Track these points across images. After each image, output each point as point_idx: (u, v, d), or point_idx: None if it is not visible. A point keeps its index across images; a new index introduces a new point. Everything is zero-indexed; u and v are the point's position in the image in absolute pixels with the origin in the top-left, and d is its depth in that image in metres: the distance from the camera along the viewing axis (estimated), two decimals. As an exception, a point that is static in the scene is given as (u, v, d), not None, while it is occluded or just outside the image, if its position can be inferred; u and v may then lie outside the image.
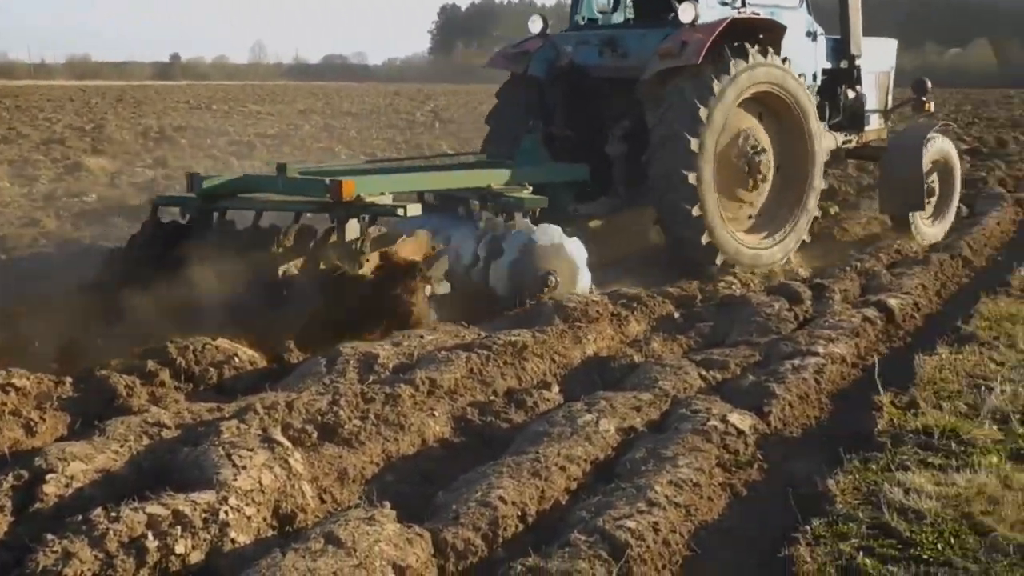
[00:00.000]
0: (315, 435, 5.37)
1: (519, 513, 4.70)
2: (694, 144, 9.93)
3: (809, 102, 11.13)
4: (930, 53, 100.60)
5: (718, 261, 10.34)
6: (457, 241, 9.12)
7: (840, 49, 12.43)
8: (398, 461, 5.47)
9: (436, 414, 5.93)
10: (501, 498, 4.69)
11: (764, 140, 10.84)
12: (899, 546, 4.52)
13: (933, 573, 4.28)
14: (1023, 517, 4.79)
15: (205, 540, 4.14)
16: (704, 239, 10.16)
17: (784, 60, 10.83)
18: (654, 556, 4.33)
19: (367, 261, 7.72)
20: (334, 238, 8.34)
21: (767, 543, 4.68)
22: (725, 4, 10.77)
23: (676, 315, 8.73)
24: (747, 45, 10.38)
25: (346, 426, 5.47)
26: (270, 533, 4.44)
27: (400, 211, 8.22)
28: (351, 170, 10.41)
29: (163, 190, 15.84)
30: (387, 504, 4.58)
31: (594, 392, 6.38)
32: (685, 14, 10.26)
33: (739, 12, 10.67)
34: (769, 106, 10.88)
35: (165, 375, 6.44)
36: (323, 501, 4.93)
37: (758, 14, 10.88)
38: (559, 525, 4.65)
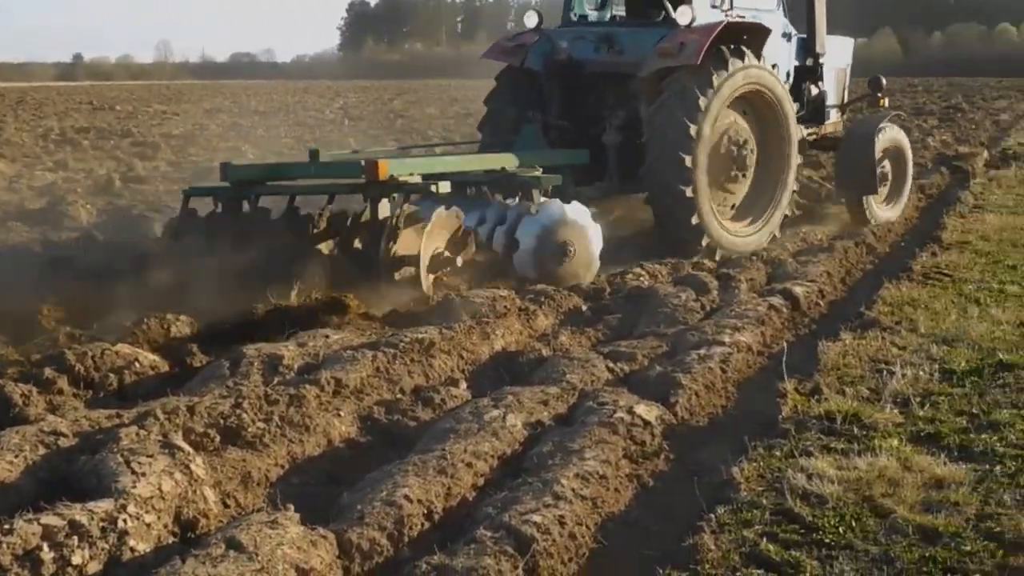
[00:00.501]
0: (218, 439, 5.27)
1: (425, 511, 4.66)
2: (692, 130, 10.71)
3: (789, 101, 11.97)
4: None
5: (703, 243, 11.03)
6: (472, 218, 9.67)
7: (806, 47, 13.15)
8: (303, 463, 5.40)
9: (342, 414, 5.87)
10: (407, 497, 4.65)
11: (748, 135, 11.59)
12: (802, 531, 4.58)
13: (835, 557, 4.34)
14: (922, 498, 4.89)
15: (103, 550, 4.05)
16: (694, 220, 10.90)
17: (773, 66, 11.93)
18: (560, 549, 4.33)
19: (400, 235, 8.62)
20: (366, 216, 9.14)
21: (673, 533, 4.70)
22: (715, 7, 11.61)
23: (584, 308, 8.76)
24: (741, 47, 11.21)
25: (250, 429, 5.39)
26: (171, 540, 4.34)
27: (433, 188, 9.01)
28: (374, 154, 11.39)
29: (64, 194, 15.51)
30: (291, 507, 4.52)
31: (502, 387, 6.37)
32: (682, 17, 11.04)
33: (727, 15, 11.55)
34: (752, 103, 11.62)
35: (63, 382, 6.28)
36: (226, 506, 4.84)
37: (743, 17, 11.74)
38: (465, 522, 4.63)
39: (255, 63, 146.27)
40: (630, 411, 5.81)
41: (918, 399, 6.31)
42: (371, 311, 8.17)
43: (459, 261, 9.01)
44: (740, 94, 11.27)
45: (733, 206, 11.68)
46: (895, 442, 5.59)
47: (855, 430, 5.81)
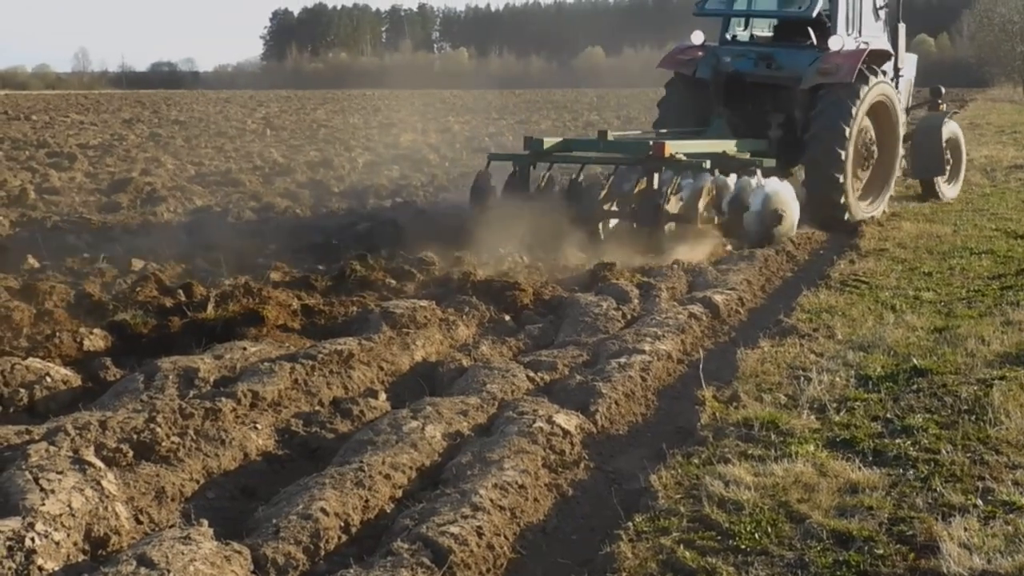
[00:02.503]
0: (131, 454, 5.18)
1: (342, 524, 4.62)
2: (846, 131, 13.75)
3: (900, 106, 15.39)
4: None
5: (846, 217, 14.01)
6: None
7: (893, 63, 16.16)
8: (219, 477, 5.33)
9: (259, 427, 5.80)
10: (323, 510, 4.61)
11: (873, 134, 14.80)
12: (719, 538, 4.60)
13: (750, 563, 4.37)
14: (837, 503, 4.94)
15: (10, 569, 3.96)
16: (842, 200, 13.94)
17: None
18: (478, 560, 4.32)
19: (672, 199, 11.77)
20: (642, 185, 11.99)
21: (591, 541, 4.72)
22: (849, 35, 14.71)
23: (506, 318, 8.74)
24: (874, 66, 14.49)
25: (164, 443, 5.30)
26: (81, 558, 4.26)
27: (705, 164, 12.09)
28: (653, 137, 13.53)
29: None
30: (205, 522, 4.46)
31: (421, 398, 6.33)
32: (835, 44, 14.17)
33: (857, 42, 14.65)
34: (875, 109, 14.60)
35: (-29, 398, 6.14)
36: (139, 522, 4.75)
37: (868, 44, 14.73)
38: (383, 534, 4.60)
39: (176, 73, 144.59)
40: (550, 421, 5.81)
41: (834, 405, 6.39)
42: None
43: (715, 220, 12.05)
44: (872, 102, 14.29)
45: (858, 189, 14.61)
46: (811, 448, 5.64)
47: (772, 436, 5.86)
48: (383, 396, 6.60)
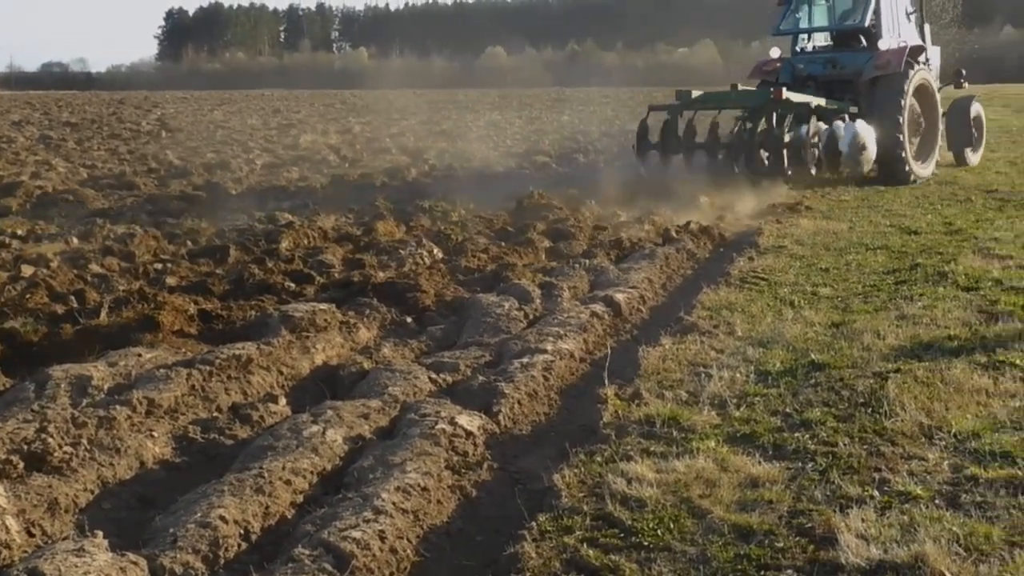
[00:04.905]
0: (21, 465, 5.04)
1: (242, 531, 4.54)
2: (904, 109, 17.89)
3: (937, 88, 19.74)
4: (660, 53, 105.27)
5: (907, 171, 18.06)
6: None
7: (925, 55, 20.14)
8: (115, 487, 5.20)
9: (156, 435, 5.68)
10: (222, 517, 4.52)
11: (919, 110, 18.87)
12: (621, 535, 4.61)
13: (653, 559, 4.38)
14: (738, 498, 4.99)
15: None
16: (904, 155, 17.92)
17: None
18: (380, 564, 4.27)
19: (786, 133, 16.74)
20: (763, 126, 16.88)
21: (495, 542, 4.69)
22: (891, 36, 18.92)
23: (408, 320, 8.68)
24: (915, 60, 18.85)
25: (56, 454, 5.16)
26: (-32, 575, 4.12)
27: (814, 104, 17.26)
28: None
29: None
30: (99, 533, 4.35)
31: (322, 402, 6.26)
32: (883, 44, 18.63)
33: (900, 41, 18.91)
34: (919, 90, 18.69)
35: None
36: (31, 535, 4.61)
37: (907, 41, 19.00)
38: (284, 541, 4.53)
39: (68, 74, 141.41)
40: (452, 422, 5.78)
41: (735, 400, 6.45)
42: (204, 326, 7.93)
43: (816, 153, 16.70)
44: (916, 86, 18.40)
45: (914, 151, 18.48)
46: (712, 443, 5.69)
47: (674, 433, 5.90)
48: (283, 401, 6.51)
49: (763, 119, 16.96)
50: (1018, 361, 7.03)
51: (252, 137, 30.46)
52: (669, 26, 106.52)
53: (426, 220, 13.90)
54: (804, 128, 16.52)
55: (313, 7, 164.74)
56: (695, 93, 17.70)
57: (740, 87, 17.88)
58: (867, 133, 16.92)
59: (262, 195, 17.16)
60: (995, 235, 12.23)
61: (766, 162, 16.89)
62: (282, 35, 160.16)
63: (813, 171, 16.79)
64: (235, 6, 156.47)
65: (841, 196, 16.73)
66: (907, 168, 18.05)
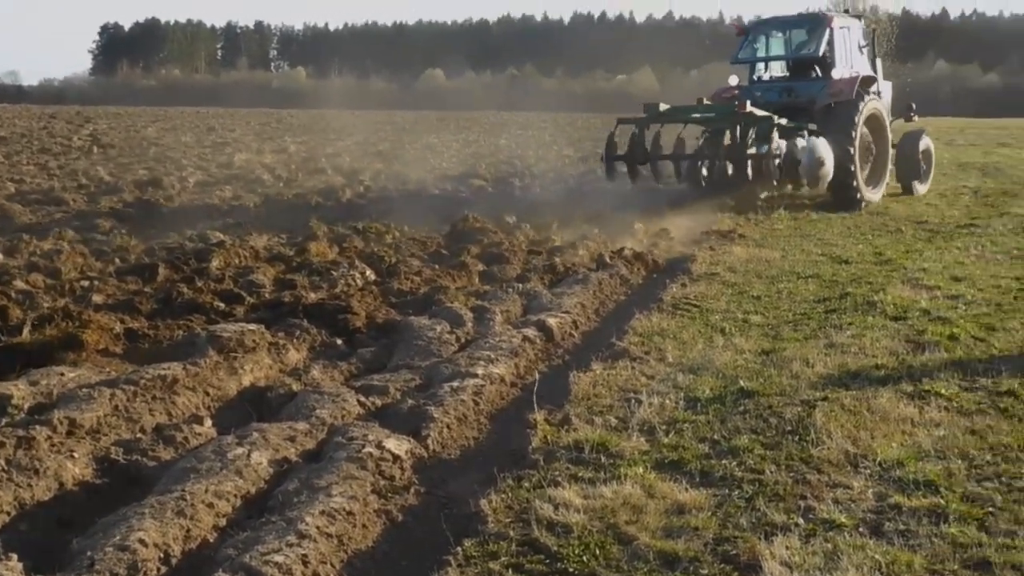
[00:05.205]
0: (-65, 487, 4.91)
1: (162, 555, 4.46)
2: (855, 135, 18.72)
3: (888, 118, 20.91)
4: (599, 79, 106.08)
5: (857, 196, 18.74)
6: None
7: (876, 87, 21.09)
8: (33, 508, 5.09)
9: (76, 456, 5.56)
10: (142, 541, 4.44)
11: (870, 138, 19.95)
12: (547, 561, 4.59)
13: (578, 586, 4.36)
14: (664, 524, 4.99)
15: None
16: (855, 183, 18.68)
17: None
18: (303, 590, 4.20)
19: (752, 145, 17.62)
20: (727, 140, 18.04)
21: (421, 567, 4.65)
22: (844, 67, 19.84)
23: (339, 342, 8.61)
24: (867, 90, 19.85)
25: (-29, 474, 5.03)
26: None
27: (776, 119, 17.71)
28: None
29: None
30: (14, 556, 4.24)
31: (248, 424, 6.17)
32: (836, 74, 19.57)
33: (852, 71, 19.89)
34: (869, 119, 19.59)
35: None
36: (-57, 558, 4.49)
37: (859, 72, 19.97)
38: (205, 565, 4.46)
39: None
40: (380, 446, 5.73)
41: (664, 427, 6.46)
42: (131, 346, 7.80)
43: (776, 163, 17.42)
44: (867, 115, 19.35)
45: (864, 177, 19.35)
46: (640, 470, 5.69)
47: (602, 459, 5.89)
48: (209, 422, 6.42)
49: (728, 132, 18.22)
50: (943, 391, 7.13)
51: (186, 155, 30.15)
52: (608, 53, 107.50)
53: (360, 241, 13.84)
54: (765, 144, 17.48)
55: (251, 25, 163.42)
56: (663, 107, 18.46)
57: (705, 102, 18.71)
58: (825, 150, 17.88)
59: (194, 213, 16.97)
60: (924, 266, 12.42)
61: (730, 173, 18.04)
62: (219, 52, 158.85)
63: (775, 183, 18.00)
64: (172, 22, 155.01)
65: (775, 225, 16.86)
66: (857, 193, 18.82)
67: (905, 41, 72.71)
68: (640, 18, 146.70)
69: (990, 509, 5.19)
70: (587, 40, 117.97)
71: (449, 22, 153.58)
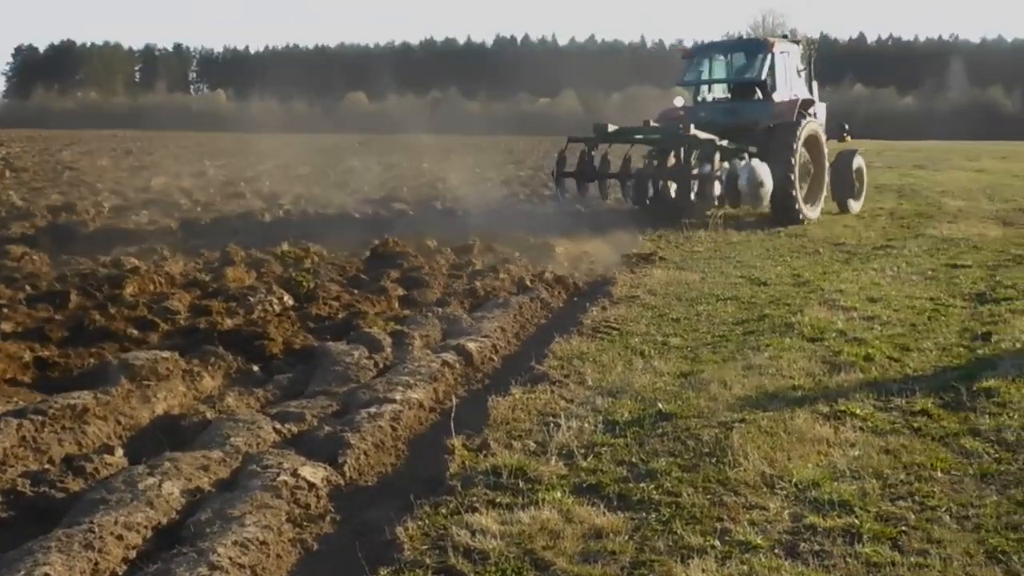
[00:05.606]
0: None
1: (68, 591, 4.34)
2: (795, 154, 19.86)
3: (824, 139, 21.86)
4: (522, 102, 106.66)
5: (796, 209, 19.80)
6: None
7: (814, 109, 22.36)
8: (-68, 545, 4.93)
9: (-20, 488, 5.41)
10: (47, 575, 4.31)
11: (808, 158, 20.87)
12: (463, 588, 4.55)
13: (495, 614, 4.33)
14: (581, 549, 4.98)
15: None
16: (796, 204, 19.82)
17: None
18: (213, 624, 4.12)
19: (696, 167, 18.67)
20: (672, 160, 19.30)
21: (336, 598, 4.58)
22: (784, 89, 21.09)
23: (255, 368, 8.50)
24: (806, 112, 21.03)
25: None
26: None
27: (721, 143, 18.98)
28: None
29: None
30: (-88, 595, 4.09)
31: (161, 453, 6.05)
32: (778, 96, 20.87)
33: (792, 95, 21.12)
34: (808, 140, 20.51)
35: None
36: None
37: (799, 96, 21.24)
38: (113, 600, 4.34)
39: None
40: (295, 474, 5.66)
41: (582, 451, 6.46)
42: (24, 379, 7.62)
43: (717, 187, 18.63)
44: (806, 136, 20.31)
45: (803, 194, 20.42)
46: (558, 494, 5.68)
47: (520, 484, 5.87)
48: (120, 452, 6.28)
49: (672, 153, 19.41)
50: (858, 411, 7.22)
51: (101, 179, 29.64)
52: (531, 76, 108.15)
53: (278, 266, 13.69)
54: (708, 164, 18.51)
55: (170, 47, 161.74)
56: (611, 127, 19.82)
57: (651, 124, 19.87)
58: (764, 171, 18.75)
59: (109, 239, 16.62)
60: (840, 287, 12.60)
61: (673, 193, 19.44)
62: (137, 75, 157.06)
63: (716, 203, 19.00)
64: (88, 44, 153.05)
65: (695, 247, 17.01)
66: (797, 209, 19.95)
67: (823, 64, 74.44)
68: (563, 41, 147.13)
69: (903, 528, 5.26)
70: (510, 63, 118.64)
71: (372, 45, 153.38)
